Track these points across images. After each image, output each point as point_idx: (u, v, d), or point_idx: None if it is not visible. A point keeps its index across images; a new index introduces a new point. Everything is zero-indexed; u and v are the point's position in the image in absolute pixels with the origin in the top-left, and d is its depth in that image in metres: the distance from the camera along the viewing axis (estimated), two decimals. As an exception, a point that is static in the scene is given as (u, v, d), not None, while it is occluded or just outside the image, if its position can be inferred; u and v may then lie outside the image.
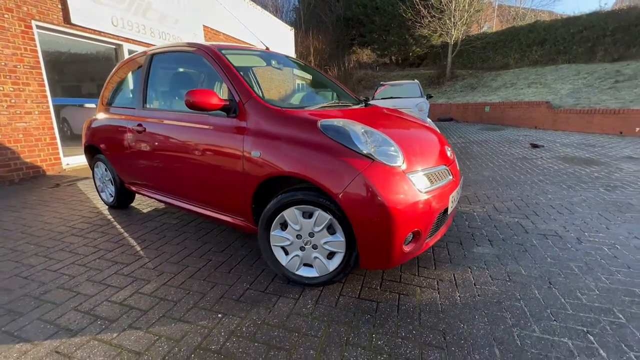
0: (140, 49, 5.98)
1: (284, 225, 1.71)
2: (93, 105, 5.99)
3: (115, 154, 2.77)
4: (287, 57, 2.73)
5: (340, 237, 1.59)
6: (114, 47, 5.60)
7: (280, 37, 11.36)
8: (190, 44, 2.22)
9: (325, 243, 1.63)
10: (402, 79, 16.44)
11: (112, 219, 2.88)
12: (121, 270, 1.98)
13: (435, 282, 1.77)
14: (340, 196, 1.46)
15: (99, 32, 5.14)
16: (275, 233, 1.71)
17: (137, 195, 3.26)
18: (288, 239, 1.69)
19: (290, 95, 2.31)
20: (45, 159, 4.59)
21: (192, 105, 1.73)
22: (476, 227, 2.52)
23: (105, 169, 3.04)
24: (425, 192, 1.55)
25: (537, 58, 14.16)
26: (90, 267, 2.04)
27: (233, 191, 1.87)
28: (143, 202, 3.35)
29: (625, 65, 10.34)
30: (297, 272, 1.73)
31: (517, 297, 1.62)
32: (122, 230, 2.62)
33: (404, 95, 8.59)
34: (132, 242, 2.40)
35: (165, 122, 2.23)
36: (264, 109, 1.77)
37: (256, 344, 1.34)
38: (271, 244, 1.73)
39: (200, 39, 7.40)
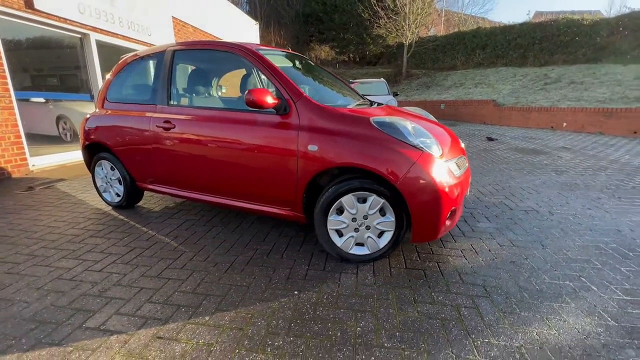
0: (108, 39, 5.55)
1: (339, 211, 1.93)
2: (42, 100, 5.40)
3: (131, 152, 2.69)
4: (305, 58, 2.91)
5: (390, 217, 1.87)
6: (80, 36, 5.12)
7: (245, 31, 11.16)
8: (225, 43, 2.29)
9: (378, 223, 1.90)
10: (362, 77, 17.15)
11: (127, 219, 2.79)
12: (172, 265, 2.03)
13: (460, 251, 2.15)
14: (399, 182, 1.74)
15: (65, 20, 4.67)
16: (332, 218, 1.93)
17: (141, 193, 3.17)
18: (344, 222, 1.93)
19: (323, 95, 2.50)
20: (9, 160, 4.11)
21: (252, 104, 1.86)
22: (472, 208, 2.99)
23: (112, 168, 2.92)
24: (457, 177, 1.90)
25: (480, 61, 15.86)
26: (136, 264, 2.04)
27: (285, 184, 2.03)
28: (149, 201, 3.26)
29: (550, 70, 12.16)
30: (350, 252, 1.98)
31: (523, 257, 2.07)
32: (145, 229, 2.58)
33: (372, 93, 9.12)
34: (165, 239, 2.40)
35: (204, 118, 2.27)
36: (316, 107, 1.96)
37: (342, 310, 1.57)
38: (328, 228, 1.95)
39: (170, 31, 7.04)
